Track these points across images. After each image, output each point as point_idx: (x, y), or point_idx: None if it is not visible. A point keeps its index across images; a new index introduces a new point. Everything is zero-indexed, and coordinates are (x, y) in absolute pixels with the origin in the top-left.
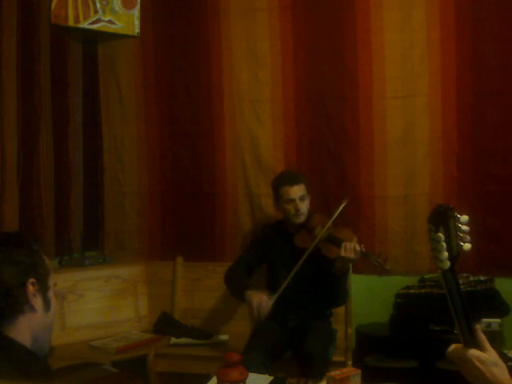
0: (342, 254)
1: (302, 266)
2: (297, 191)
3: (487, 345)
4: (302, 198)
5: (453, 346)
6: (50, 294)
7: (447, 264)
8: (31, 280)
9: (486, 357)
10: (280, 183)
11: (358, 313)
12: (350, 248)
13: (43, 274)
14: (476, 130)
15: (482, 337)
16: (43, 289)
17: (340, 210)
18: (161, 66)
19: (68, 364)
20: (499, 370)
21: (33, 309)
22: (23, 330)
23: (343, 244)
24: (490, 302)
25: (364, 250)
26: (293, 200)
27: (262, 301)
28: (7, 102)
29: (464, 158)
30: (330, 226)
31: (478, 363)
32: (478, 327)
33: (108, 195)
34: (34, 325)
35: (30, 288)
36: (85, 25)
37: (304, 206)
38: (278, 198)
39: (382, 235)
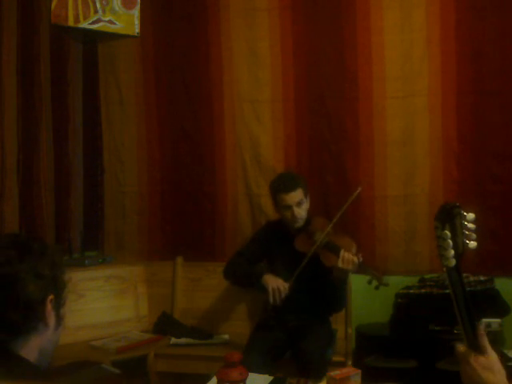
0: (340, 264)
1: (302, 268)
2: (294, 197)
3: (489, 349)
4: (299, 204)
5: (461, 347)
6: (63, 309)
7: (453, 262)
8: (50, 297)
9: (483, 360)
10: (277, 190)
11: (358, 313)
12: (348, 259)
13: (61, 288)
14: (476, 129)
15: (485, 341)
16: (59, 305)
17: (353, 197)
18: (161, 66)
19: (67, 362)
20: (493, 375)
21: (46, 326)
22: (33, 348)
23: (341, 254)
24: (490, 302)
25: (361, 259)
26: (290, 207)
27: (278, 284)
28: (7, 102)
29: (464, 158)
30: (329, 232)
31: (474, 365)
32: (483, 332)
33: (108, 195)
34: (43, 341)
35: (49, 305)
36: (85, 25)
37: (302, 212)
38: (276, 203)
39: (382, 235)
